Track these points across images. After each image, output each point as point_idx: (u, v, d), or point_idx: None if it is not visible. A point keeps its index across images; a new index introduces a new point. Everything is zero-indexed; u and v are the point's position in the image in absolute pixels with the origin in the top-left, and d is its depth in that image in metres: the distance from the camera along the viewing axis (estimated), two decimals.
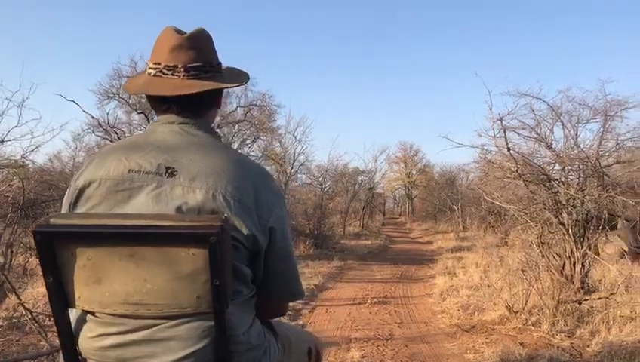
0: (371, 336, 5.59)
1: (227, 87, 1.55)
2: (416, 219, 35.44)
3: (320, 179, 21.00)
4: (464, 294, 7.41)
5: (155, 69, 1.46)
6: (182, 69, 1.45)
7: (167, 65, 1.45)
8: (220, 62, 1.55)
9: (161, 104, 1.48)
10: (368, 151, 67.03)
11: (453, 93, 68.10)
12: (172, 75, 1.45)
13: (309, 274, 9.57)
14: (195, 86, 1.44)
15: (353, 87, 71.87)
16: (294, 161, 17.87)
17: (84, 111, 12.79)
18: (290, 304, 6.78)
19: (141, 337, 1.28)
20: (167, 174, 1.34)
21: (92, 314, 1.31)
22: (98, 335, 1.30)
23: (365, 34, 70.69)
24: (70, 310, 1.33)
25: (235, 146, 15.15)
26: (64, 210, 1.43)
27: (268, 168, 16.24)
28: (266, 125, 16.16)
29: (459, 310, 6.63)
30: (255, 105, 16.32)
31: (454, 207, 22.26)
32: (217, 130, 15.37)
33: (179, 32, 1.47)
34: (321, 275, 9.75)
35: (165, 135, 1.43)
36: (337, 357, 4.76)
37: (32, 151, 9.64)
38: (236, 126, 15.62)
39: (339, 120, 59.74)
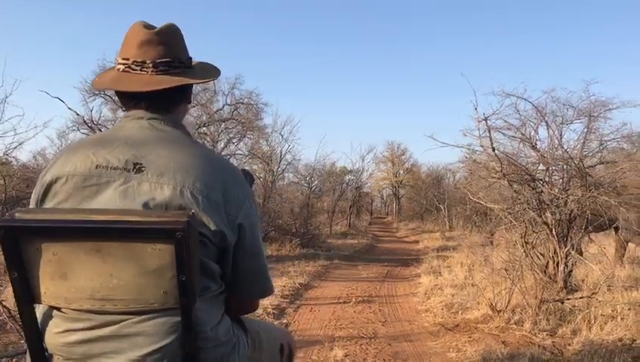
0: (355, 335, 5.59)
1: (196, 83, 1.54)
2: (403, 218, 35.55)
3: (307, 178, 20.98)
4: (448, 293, 7.44)
5: (123, 64, 1.45)
6: (150, 65, 1.44)
7: (135, 61, 1.44)
8: (191, 58, 1.54)
9: (129, 100, 1.47)
10: (356, 150, 67.10)
11: (440, 93, 68.49)
12: (140, 70, 1.44)
13: (295, 273, 9.55)
14: (163, 82, 1.43)
15: (341, 87, 71.82)
16: (281, 160, 17.84)
17: (69, 108, 12.66)
18: (275, 302, 6.81)
19: (107, 333, 1.27)
20: (134, 170, 1.33)
21: (58, 309, 1.30)
22: (64, 331, 1.29)
23: (354, 36, 70.79)
24: (37, 306, 1.32)
25: (221, 145, 15.10)
26: (32, 206, 1.41)
27: (255, 167, 16.21)
28: (253, 123, 16.11)
29: (443, 309, 6.65)
30: (242, 103, 16.28)
31: (441, 206, 22.35)
32: (204, 128, 15.41)
33: (148, 27, 1.46)
34: (307, 274, 9.74)
35: (134, 131, 1.42)
36: (320, 356, 4.75)
37: (15, 148, 9.56)
38: (223, 124, 15.56)
39: (326, 119, 59.77)
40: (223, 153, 15.36)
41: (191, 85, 1.56)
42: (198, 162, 1.37)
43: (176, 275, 1.21)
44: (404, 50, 70.54)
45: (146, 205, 1.29)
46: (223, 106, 16.04)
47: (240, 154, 16.03)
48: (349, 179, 28.31)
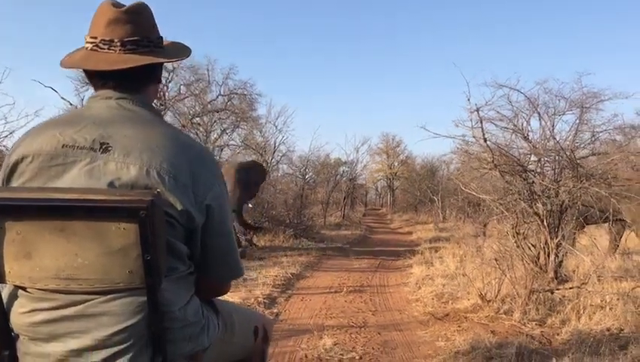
0: (345, 324, 5.60)
1: (165, 62, 1.52)
2: (397, 210, 35.58)
3: (301, 170, 20.95)
4: (439, 283, 7.44)
5: (91, 43, 1.43)
6: (118, 43, 1.42)
7: (103, 40, 1.42)
8: (161, 37, 1.52)
9: (97, 79, 1.45)
10: (350, 142, 66.83)
11: (435, 85, 68.49)
12: (108, 49, 1.42)
13: (287, 264, 9.56)
14: (130, 60, 1.41)
15: (336, 80, 71.71)
16: (275, 151, 17.79)
17: (62, 97, 12.65)
18: (266, 292, 6.81)
19: (73, 312, 1.26)
20: (101, 150, 1.31)
21: (23, 289, 1.28)
22: (29, 311, 1.27)
23: (348, 31, 70.60)
24: (2, 286, 1.30)
25: (214, 135, 15.04)
26: None
27: (249, 158, 16.16)
28: (247, 114, 16.06)
29: (433, 299, 6.66)
30: (236, 93, 16.23)
31: (434, 198, 22.38)
32: (197, 119, 15.35)
33: (116, 5, 1.43)
34: (299, 264, 9.75)
35: (102, 110, 1.40)
36: (310, 345, 4.76)
37: (6, 137, 9.50)
38: (216, 114, 15.51)
39: (320, 111, 59.67)
40: (216, 143, 15.33)
41: (161, 65, 1.54)
42: (166, 143, 1.36)
43: (141, 255, 1.20)
44: (398, 43, 70.48)
45: (111, 185, 1.28)
46: (217, 97, 16.00)
47: (233, 145, 16.00)
48: (344, 171, 28.27)
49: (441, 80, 69.67)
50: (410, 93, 71.71)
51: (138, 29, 1.44)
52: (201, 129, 15.14)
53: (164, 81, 14.78)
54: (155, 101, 1.58)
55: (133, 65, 1.40)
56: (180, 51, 1.58)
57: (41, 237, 1.21)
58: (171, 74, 14.84)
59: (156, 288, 1.23)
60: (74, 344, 1.26)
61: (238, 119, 16.00)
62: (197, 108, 15.38)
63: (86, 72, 1.47)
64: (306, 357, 4.48)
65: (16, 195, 1.22)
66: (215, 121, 15.51)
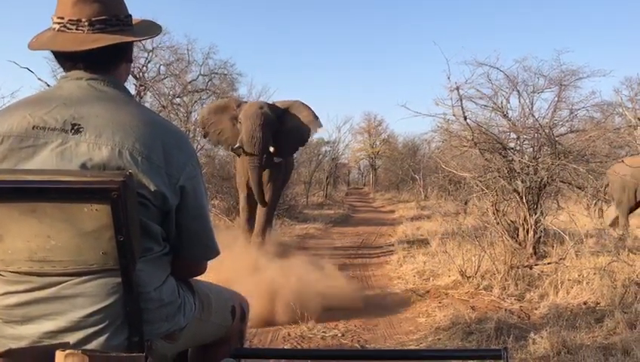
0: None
1: (135, 40, 1.51)
2: (380, 189, 35.73)
3: None
4: (420, 260, 7.51)
5: (59, 23, 1.40)
6: (86, 23, 1.39)
7: (70, 20, 1.39)
8: (130, 15, 1.49)
9: (67, 60, 1.43)
10: (332, 121, 66.55)
11: (418, 63, 68.41)
12: (76, 29, 1.39)
13: (269, 243, 9.55)
14: (100, 40, 1.39)
15: (316, 59, 71.24)
16: None
17: (38, 78, 12.43)
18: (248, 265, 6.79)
19: (47, 295, 1.25)
20: (72, 131, 1.30)
21: None
22: (3, 294, 1.27)
23: (328, 7, 70.03)
24: None
25: (195, 115, 14.92)
26: None
27: None
28: (228, 94, 15.93)
29: (414, 276, 6.73)
30: (216, 73, 16.08)
31: (416, 176, 22.50)
32: (177, 99, 15.20)
33: None
34: (281, 244, 9.75)
35: (72, 91, 1.39)
36: (292, 323, 4.78)
37: None
38: (197, 95, 15.37)
39: (302, 90, 59.35)
40: (197, 124, 15.22)
41: (131, 44, 1.52)
42: (139, 123, 1.35)
43: (114, 236, 1.20)
44: (380, 22, 70.12)
45: (83, 166, 1.27)
46: (198, 77, 15.83)
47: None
48: (326, 151, 28.24)
49: (422, 58, 69.54)
50: (391, 71, 71.55)
51: (106, 7, 1.41)
52: (181, 110, 15.00)
53: (143, 61, 14.60)
54: (134, 82, 1.57)
55: (102, 44, 1.38)
56: (150, 29, 1.56)
57: (11, 220, 1.21)
58: (150, 54, 14.66)
59: (130, 269, 1.24)
60: (49, 326, 1.26)
61: (219, 99, 15.88)
62: (177, 88, 15.23)
63: (55, 53, 1.45)
64: (288, 335, 4.52)
65: None
66: (196, 102, 15.37)
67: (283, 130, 7.95)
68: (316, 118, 8.27)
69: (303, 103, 8.42)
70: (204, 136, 8.87)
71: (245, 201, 8.44)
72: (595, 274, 5.54)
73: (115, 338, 1.28)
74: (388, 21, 70.05)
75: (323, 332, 4.58)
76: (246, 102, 9.07)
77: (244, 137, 7.64)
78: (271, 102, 8.64)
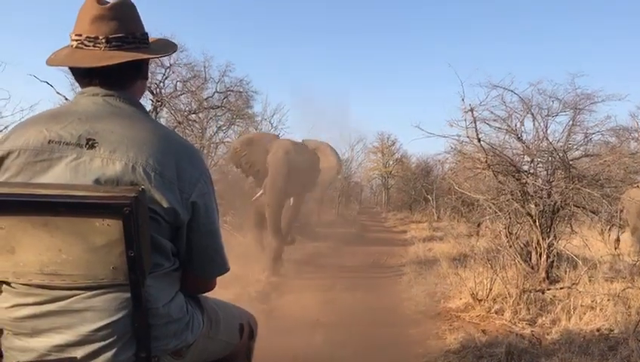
0: (337, 322, 5.60)
1: (150, 58, 1.53)
2: (392, 208, 35.55)
3: None
4: (432, 282, 7.46)
5: (76, 40, 1.43)
6: (103, 40, 1.42)
7: (88, 37, 1.42)
8: (147, 33, 1.52)
9: (84, 76, 1.46)
10: (345, 139, 66.38)
11: (430, 84, 68.50)
12: (93, 46, 1.42)
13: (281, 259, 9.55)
14: (116, 57, 1.42)
15: (331, 77, 71.53)
16: None
17: (57, 92, 12.58)
18: (259, 288, 6.81)
19: (57, 308, 1.26)
20: (87, 146, 1.32)
21: (7, 284, 1.29)
22: (13, 306, 1.28)
23: (344, 27, 70.51)
24: None
25: (210, 132, 15.02)
26: None
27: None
28: (243, 111, 16.04)
29: (425, 297, 6.67)
30: (232, 91, 16.18)
31: (429, 197, 22.39)
32: (193, 115, 15.32)
33: (101, 2, 1.44)
34: (293, 261, 9.75)
35: (88, 106, 1.41)
36: (301, 342, 4.76)
37: (0, 131, 9.47)
38: (212, 111, 15.48)
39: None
40: (212, 140, 15.30)
41: (146, 61, 1.55)
42: (153, 139, 1.37)
43: (125, 251, 1.21)
44: (394, 42, 70.44)
45: (97, 181, 1.28)
46: (213, 94, 15.94)
47: (229, 142, 15.94)
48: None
49: (436, 79, 69.55)
50: (405, 91, 71.62)
51: (123, 25, 1.44)
52: (196, 126, 15.09)
53: (160, 77, 14.75)
54: (151, 97, 1.59)
55: (118, 61, 1.41)
56: (166, 47, 1.59)
57: (24, 232, 1.22)
58: (168, 71, 14.79)
59: (140, 284, 1.24)
60: (58, 339, 1.26)
61: (234, 116, 15.96)
62: (193, 105, 15.33)
63: (72, 69, 1.48)
64: (297, 354, 4.49)
65: (0, 190, 1.22)
66: (211, 118, 15.47)
67: (309, 170, 8.63)
68: (340, 163, 9.41)
69: (330, 146, 9.21)
70: (236, 167, 9.28)
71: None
72: (608, 300, 5.46)
73: (122, 353, 1.29)
74: (402, 42, 70.33)
75: (332, 352, 4.54)
76: (277, 136, 9.38)
77: (267, 184, 8.30)
78: (301, 141, 9.17)
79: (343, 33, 71.24)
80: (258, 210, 9.20)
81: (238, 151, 8.81)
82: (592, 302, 5.61)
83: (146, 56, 1.49)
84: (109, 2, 1.46)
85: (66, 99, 12.62)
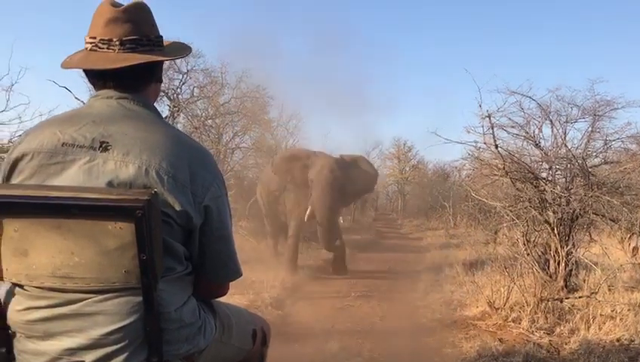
0: (352, 329, 5.58)
1: (164, 60, 1.52)
2: (408, 215, 35.35)
3: None
4: (448, 290, 7.40)
5: (91, 43, 1.44)
6: (117, 43, 1.42)
7: (102, 39, 1.42)
8: (161, 36, 1.52)
9: (98, 79, 1.46)
10: (361, 146, 66.20)
11: (447, 90, 68.20)
12: (107, 48, 1.42)
13: (298, 267, 9.54)
14: (129, 59, 1.41)
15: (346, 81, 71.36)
16: None
17: (75, 97, 12.72)
18: (274, 294, 6.80)
19: (69, 311, 1.26)
20: (101, 148, 1.32)
21: (20, 287, 1.29)
22: (26, 309, 1.28)
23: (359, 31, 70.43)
24: (1, 283, 1.31)
25: (226, 137, 15.08)
26: None
27: (259, 160, 16.17)
28: (259, 117, 16.09)
29: (441, 305, 6.62)
30: (248, 96, 16.25)
31: (445, 204, 22.24)
32: (209, 121, 15.40)
33: (115, 4, 1.44)
34: (308, 267, 9.73)
35: (102, 109, 1.41)
36: (315, 348, 4.75)
37: (20, 135, 9.57)
38: (228, 117, 15.55)
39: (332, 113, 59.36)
40: (228, 146, 15.35)
41: (160, 64, 1.54)
42: (166, 142, 1.36)
43: (137, 254, 1.20)
44: (411, 47, 70.24)
45: (110, 183, 1.28)
46: (230, 99, 16.01)
47: (245, 147, 16.01)
48: None
49: (453, 84, 69.23)
50: (421, 97, 71.35)
51: (137, 28, 1.44)
52: (213, 131, 15.17)
53: (177, 83, 14.86)
54: (168, 103, 1.59)
55: (132, 63, 1.41)
56: (180, 50, 1.59)
57: (37, 235, 1.22)
58: (185, 76, 14.90)
59: (152, 288, 1.23)
60: (69, 343, 1.26)
61: (250, 122, 16.02)
62: (210, 110, 15.42)
63: (87, 72, 1.48)
64: (312, 361, 4.47)
65: (14, 193, 1.22)
66: (227, 124, 15.53)
67: (353, 184, 9.39)
68: (377, 173, 10.41)
69: (365, 158, 10.52)
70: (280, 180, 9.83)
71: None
72: (629, 310, 5.37)
73: (134, 357, 1.28)
74: (420, 47, 70.14)
75: (347, 359, 4.52)
76: (314, 152, 9.88)
77: (315, 203, 8.96)
78: (339, 156, 9.74)
79: (353, 38, 71.13)
80: (278, 218, 9.88)
81: (279, 167, 9.46)
82: (612, 311, 5.52)
83: (159, 59, 1.49)
84: (123, 5, 1.46)
85: (84, 104, 12.78)
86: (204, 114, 15.50)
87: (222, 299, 1.67)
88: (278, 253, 10.40)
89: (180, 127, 13.24)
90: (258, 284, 7.24)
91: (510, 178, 6.99)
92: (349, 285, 8.42)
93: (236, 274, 1.56)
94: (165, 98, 13.55)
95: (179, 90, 15.08)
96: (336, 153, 10.04)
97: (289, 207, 9.67)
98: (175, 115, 14.53)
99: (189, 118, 15.10)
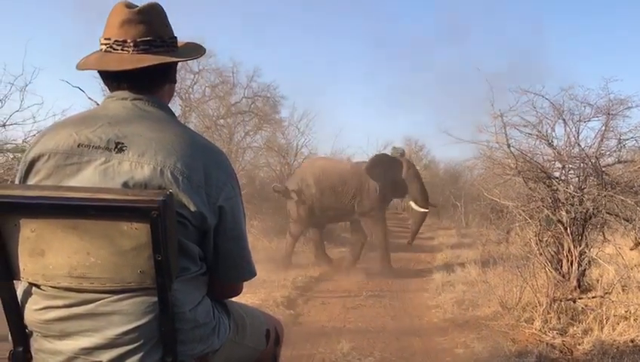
0: (363, 328, 5.58)
1: (178, 61, 1.53)
2: None
3: None
4: (460, 289, 7.36)
5: (105, 44, 1.45)
6: (131, 44, 1.43)
7: (116, 41, 1.43)
8: (175, 37, 1.53)
9: (112, 80, 1.47)
10: (372, 145, 66.00)
11: (458, 88, 67.84)
12: (122, 50, 1.43)
13: (307, 266, 9.56)
14: (143, 60, 1.42)
15: (359, 81, 71.39)
16: (297, 153, 17.75)
17: (89, 97, 12.81)
18: (285, 294, 6.82)
19: (84, 311, 1.27)
20: (116, 149, 1.33)
21: (37, 286, 1.30)
22: (43, 308, 1.30)
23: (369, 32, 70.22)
24: (17, 283, 1.32)
25: (237, 137, 15.12)
26: (16, 183, 1.41)
27: (271, 160, 16.19)
28: (270, 116, 16.12)
29: (453, 305, 6.58)
30: (260, 96, 16.28)
31: (457, 203, 22.16)
32: (221, 120, 15.45)
33: (129, 6, 1.45)
34: (319, 267, 9.74)
35: (117, 110, 1.42)
36: (327, 348, 4.75)
37: (34, 135, 9.67)
38: (240, 116, 15.59)
39: (343, 113, 59.31)
40: (239, 145, 15.39)
41: (175, 64, 1.55)
42: (181, 143, 1.37)
43: (152, 255, 1.21)
44: (424, 47, 69.96)
45: (125, 184, 1.29)
46: (241, 99, 16.06)
47: (256, 147, 16.03)
48: None
49: (465, 83, 68.79)
50: (433, 96, 70.97)
51: (151, 29, 1.45)
52: (224, 131, 15.21)
53: (189, 82, 14.92)
54: (180, 102, 1.60)
55: (146, 64, 1.42)
56: (194, 51, 1.59)
57: (54, 235, 1.23)
58: (196, 76, 14.96)
59: (167, 288, 1.24)
60: (85, 342, 1.27)
61: (261, 121, 16.05)
62: (221, 110, 15.47)
63: (101, 73, 1.49)
64: (323, 360, 4.48)
65: (31, 193, 1.24)
66: (239, 123, 15.57)
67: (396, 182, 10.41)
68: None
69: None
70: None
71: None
72: None
73: (148, 357, 1.29)
74: (432, 46, 69.85)
75: (358, 359, 4.51)
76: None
77: (419, 195, 10.60)
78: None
79: (366, 38, 70.99)
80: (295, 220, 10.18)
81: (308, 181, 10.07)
82: (626, 312, 5.47)
83: (173, 60, 1.50)
84: (137, 6, 1.46)
85: (97, 104, 12.85)
86: (215, 113, 15.56)
87: (235, 299, 1.68)
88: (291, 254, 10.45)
89: (191, 126, 13.29)
90: (269, 284, 7.26)
91: (522, 177, 6.96)
92: (360, 284, 8.42)
93: (250, 274, 1.57)
94: (177, 98, 13.61)
95: (190, 89, 15.16)
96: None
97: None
98: (187, 114, 14.59)
99: (201, 117, 15.15)
